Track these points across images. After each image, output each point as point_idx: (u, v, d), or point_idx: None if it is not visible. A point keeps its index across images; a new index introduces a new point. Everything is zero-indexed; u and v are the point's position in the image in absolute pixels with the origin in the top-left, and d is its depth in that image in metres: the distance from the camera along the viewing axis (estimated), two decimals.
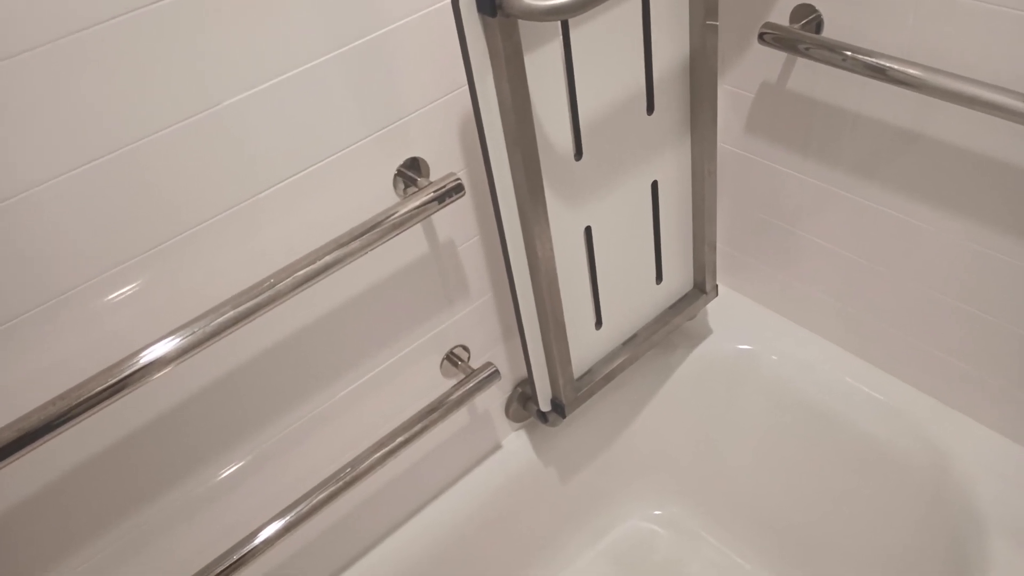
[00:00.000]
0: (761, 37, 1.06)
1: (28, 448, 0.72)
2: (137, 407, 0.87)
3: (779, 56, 1.12)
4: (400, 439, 1.07)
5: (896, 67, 0.95)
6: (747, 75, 1.17)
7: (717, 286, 1.31)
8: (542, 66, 0.89)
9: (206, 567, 0.95)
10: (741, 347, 1.36)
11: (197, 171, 0.79)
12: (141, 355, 0.76)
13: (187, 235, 0.81)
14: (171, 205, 0.79)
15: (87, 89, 0.69)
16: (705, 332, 1.40)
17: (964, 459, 1.14)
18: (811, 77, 1.10)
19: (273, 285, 0.83)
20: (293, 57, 0.80)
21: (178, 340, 0.78)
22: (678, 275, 1.26)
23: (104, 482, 0.87)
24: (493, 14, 0.78)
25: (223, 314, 0.80)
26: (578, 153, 0.99)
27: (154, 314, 0.83)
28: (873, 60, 0.96)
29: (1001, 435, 1.17)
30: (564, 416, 1.17)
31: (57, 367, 0.79)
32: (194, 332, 0.79)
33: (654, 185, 1.12)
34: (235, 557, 0.96)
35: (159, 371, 0.77)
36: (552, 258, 1.01)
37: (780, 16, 1.08)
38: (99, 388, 0.75)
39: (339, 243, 0.87)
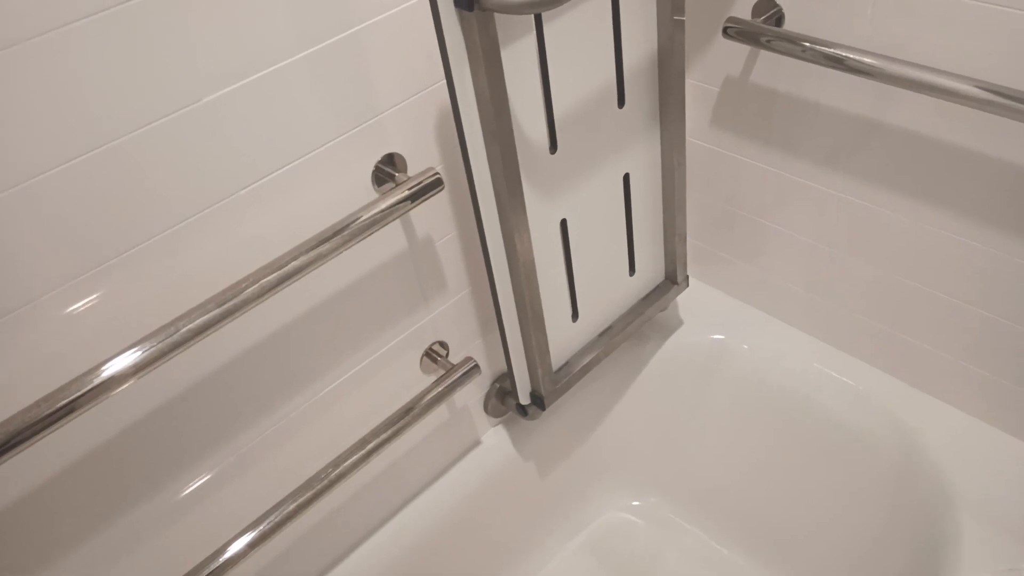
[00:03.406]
0: (725, 31, 1.09)
1: None
2: (104, 418, 0.85)
3: (742, 50, 1.15)
4: (380, 438, 1.07)
5: (853, 56, 0.98)
6: (712, 69, 1.20)
7: (688, 277, 1.34)
8: (517, 60, 0.91)
9: None
10: (712, 337, 1.39)
11: (172, 170, 0.78)
12: (102, 369, 0.74)
13: (159, 238, 0.80)
14: (141, 207, 0.78)
15: (53, 90, 0.69)
16: (676, 323, 1.42)
17: (933, 439, 1.18)
18: (773, 70, 1.13)
19: (241, 291, 0.81)
20: (269, 54, 0.81)
21: (139, 352, 0.76)
22: (650, 267, 1.29)
23: (69, 498, 0.85)
24: (470, 8, 0.79)
25: (185, 325, 0.78)
26: (553, 146, 1.01)
27: (122, 322, 0.81)
28: (831, 50, 1.00)
29: (968, 415, 1.21)
30: (544, 408, 1.19)
31: (11, 383, 0.76)
32: (157, 343, 0.77)
33: (626, 177, 1.14)
34: (212, 567, 0.95)
35: (119, 385, 0.75)
36: (530, 250, 1.02)
37: (743, 11, 1.11)
38: (57, 406, 0.72)
39: (310, 245, 0.86)
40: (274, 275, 0.84)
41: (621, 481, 1.53)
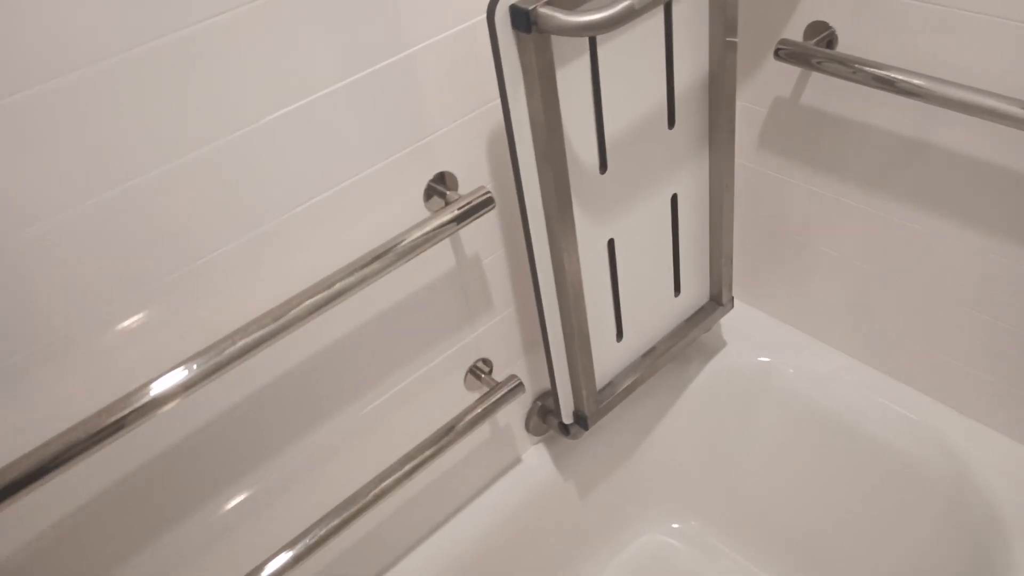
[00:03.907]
0: (776, 53, 1.08)
1: (33, 486, 0.71)
2: (152, 435, 0.86)
3: (792, 72, 1.14)
4: (424, 455, 1.07)
5: (903, 78, 0.97)
6: (761, 91, 1.20)
7: (733, 298, 1.33)
8: (571, 81, 0.91)
9: None
10: (757, 360, 1.37)
11: (228, 191, 0.80)
12: (150, 387, 0.75)
13: (213, 256, 0.82)
14: (197, 226, 0.79)
15: (104, 120, 0.70)
16: (721, 345, 1.41)
17: (983, 467, 1.16)
18: (823, 92, 1.12)
19: (289, 311, 0.82)
20: (325, 76, 0.82)
21: (186, 372, 0.77)
22: (695, 288, 1.28)
23: (114, 514, 0.87)
24: (528, 30, 0.80)
25: (232, 345, 0.79)
26: (603, 167, 1.01)
27: (173, 341, 0.83)
28: (881, 72, 0.99)
29: (1019, 443, 1.18)
30: (587, 428, 1.18)
31: (65, 403, 0.78)
32: (205, 362, 0.78)
33: (674, 198, 1.14)
34: None
35: (167, 403, 0.76)
36: (578, 270, 1.02)
37: (794, 33, 1.11)
38: (108, 422, 0.73)
39: (360, 265, 0.87)
40: (322, 295, 0.85)
41: (662, 503, 1.51)
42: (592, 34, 0.78)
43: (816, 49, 1.06)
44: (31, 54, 0.63)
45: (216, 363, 0.78)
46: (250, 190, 0.81)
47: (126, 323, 0.78)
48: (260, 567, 0.96)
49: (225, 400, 0.90)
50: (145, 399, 0.75)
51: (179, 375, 0.77)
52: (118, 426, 0.74)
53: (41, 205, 0.68)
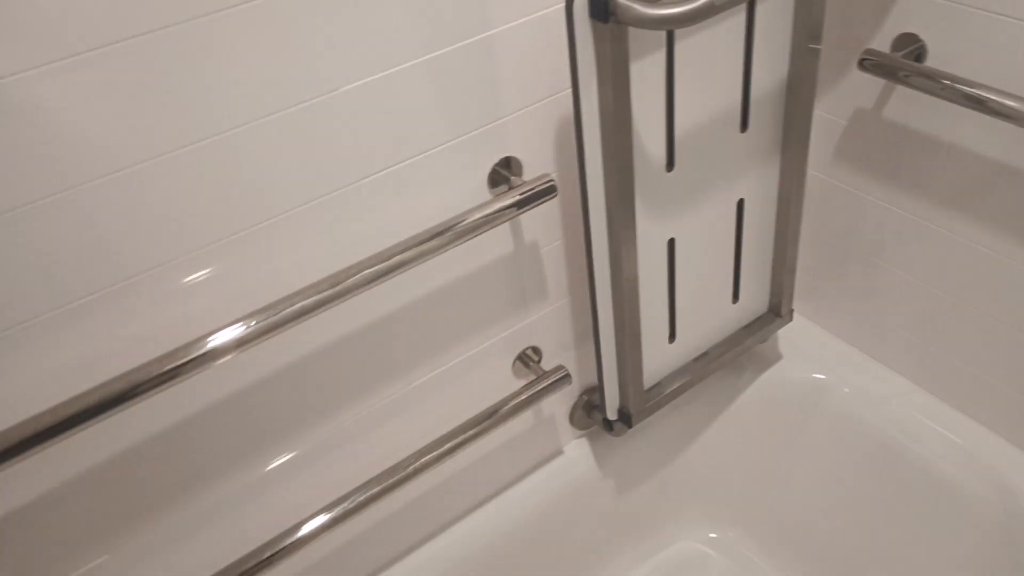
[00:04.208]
0: (861, 63, 1.06)
1: (88, 423, 0.74)
2: (206, 386, 0.89)
3: (876, 84, 1.11)
4: (466, 435, 1.08)
5: (995, 98, 0.94)
6: (841, 101, 1.17)
7: (793, 311, 1.30)
8: (644, 75, 0.91)
9: (257, 550, 0.98)
10: (812, 375, 1.34)
11: (301, 155, 0.82)
12: (208, 340, 0.78)
13: (279, 218, 0.84)
14: (265, 186, 0.81)
15: (207, 70, 0.73)
16: (775, 357, 1.38)
17: None
18: (907, 107, 1.09)
19: (345, 279, 0.84)
20: (405, 51, 0.83)
21: (243, 328, 0.79)
22: (754, 296, 1.26)
23: (165, 460, 0.90)
24: (605, 20, 0.80)
25: (289, 306, 0.81)
26: (670, 164, 1.00)
27: (234, 298, 0.85)
28: (972, 90, 0.96)
29: None
30: (630, 426, 1.18)
31: (131, 344, 0.81)
32: (262, 320, 0.80)
33: (740, 203, 1.12)
34: (286, 542, 0.98)
35: (222, 357, 0.79)
36: (635, 266, 1.01)
37: (881, 44, 1.07)
38: (166, 368, 0.76)
39: (419, 240, 0.88)
40: (381, 266, 0.86)
41: (700, 511, 1.50)
42: (670, 28, 0.78)
43: (904, 62, 1.03)
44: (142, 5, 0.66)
45: (272, 322, 0.81)
46: (324, 156, 0.83)
47: (195, 274, 0.81)
48: (297, 526, 0.99)
49: (279, 360, 0.93)
50: (202, 350, 0.78)
51: (237, 330, 0.79)
52: (175, 373, 0.77)
53: (127, 152, 0.71)
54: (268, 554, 0.97)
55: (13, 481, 0.80)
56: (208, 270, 0.82)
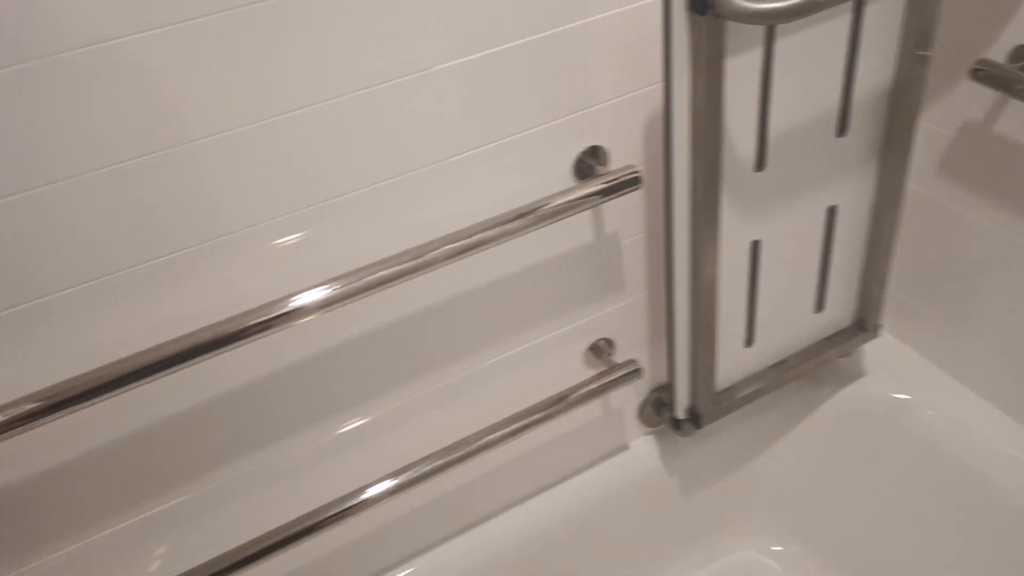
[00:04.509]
0: (974, 73, 1.01)
1: (187, 363, 0.78)
2: (286, 347, 0.93)
3: (989, 96, 1.06)
4: (535, 417, 1.09)
5: None
6: (949, 112, 1.12)
7: (880, 327, 1.26)
8: (740, 72, 0.90)
9: (324, 507, 1.01)
10: (894, 395, 1.30)
11: (395, 127, 0.85)
12: (292, 299, 0.81)
13: (367, 190, 0.87)
14: (357, 156, 0.84)
15: (316, 40, 0.76)
16: (857, 373, 1.34)
17: None
18: (1022, 122, 1.04)
19: (425, 253, 0.86)
20: (499, 34, 0.85)
21: (327, 291, 0.82)
22: (839, 307, 1.23)
23: (249, 412, 0.94)
24: (703, 13, 0.79)
25: (371, 274, 0.84)
26: (760, 164, 0.99)
27: (320, 264, 0.89)
28: None
29: None
30: (699, 427, 1.17)
31: (220, 299, 0.85)
32: (345, 285, 0.83)
33: (831, 210, 1.09)
34: (347, 504, 1.01)
35: (305, 317, 0.82)
36: (715, 266, 1.00)
37: (998, 54, 1.03)
38: (252, 322, 0.80)
39: (500, 221, 0.89)
40: (462, 242, 0.88)
41: (766, 522, 1.47)
42: (769, 23, 0.77)
43: (1021, 74, 0.99)
44: None
45: (356, 287, 0.84)
46: (416, 131, 0.86)
47: (286, 238, 0.85)
48: (361, 489, 1.02)
49: (359, 327, 0.96)
50: (287, 308, 0.81)
51: (321, 292, 0.83)
52: (263, 327, 0.81)
53: (239, 113, 0.76)
54: (333, 512, 1.01)
55: (118, 412, 0.86)
56: (299, 234, 0.86)
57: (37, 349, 0.79)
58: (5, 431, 0.73)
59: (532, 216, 0.91)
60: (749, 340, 1.16)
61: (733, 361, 1.17)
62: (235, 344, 0.80)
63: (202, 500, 0.97)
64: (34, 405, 0.74)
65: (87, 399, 0.76)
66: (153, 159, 0.74)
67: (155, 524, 0.95)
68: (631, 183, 0.95)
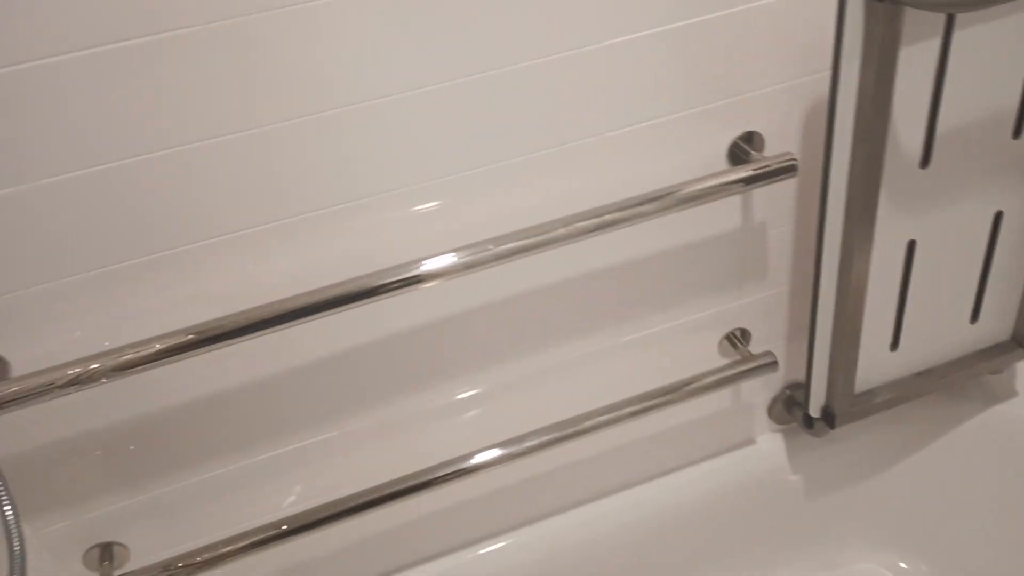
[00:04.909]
0: None
1: (306, 319, 0.83)
2: (413, 310, 0.96)
3: None
4: (662, 398, 1.10)
5: None
6: None
7: None
8: (913, 62, 0.87)
9: (434, 467, 1.04)
10: None
11: (543, 102, 0.86)
12: (420, 263, 0.84)
13: (503, 164, 0.89)
14: (503, 133, 0.87)
15: (477, 12, 0.79)
16: (1009, 392, 1.27)
17: None
18: None
19: (557, 228, 0.87)
20: (656, 16, 0.86)
21: (452, 258, 0.85)
22: (997, 320, 1.16)
23: (379, 365, 0.99)
24: None
25: (496, 246, 0.86)
26: (925, 161, 0.95)
27: (454, 232, 0.92)
28: None
29: None
30: (832, 427, 1.14)
31: (355, 257, 0.90)
32: (476, 253, 0.85)
33: (997, 215, 1.04)
34: (456, 468, 1.04)
35: (430, 281, 0.85)
36: (867, 263, 0.98)
37: None
38: (377, 284, 0.83)
39: (636, 201, 0.90)
40: (590, 221, 0.88)
41: (892, 536, 1.41)
42: (953, 11, 0.74)
43: None
44: None
45: (480, 258, 0.86)
46: (563, 107, 0.88)
47: (424, 204, 0.89)
48: (471, 454, 1.05)
49: (478, 297, 0.99)
50: (412, 272, 0.84)
51: (447, 259, 0.85)
52: (386, 288, 0.84)
53: (390, 82, 0.81)
54: (442, 473, 1.04)
55: (271, 355, 0.94)
56: (436, 202, 0.90)
57: (224, 279, 0.86)
58: (168, 356, 0.81)
59: (667, 200, 0.91)
60: (895, 344, 1.12)
61: (875, 364, 1.13)
62: (381, 296, 0.84)
63: (347, 439, 1.04)
64: (191, 337, 0.81)
65: (246, 333, 0.83)
66: (303, 121, 0.79)
67: (291, 462, 1.02)
68: (785, 171, 0.94)
